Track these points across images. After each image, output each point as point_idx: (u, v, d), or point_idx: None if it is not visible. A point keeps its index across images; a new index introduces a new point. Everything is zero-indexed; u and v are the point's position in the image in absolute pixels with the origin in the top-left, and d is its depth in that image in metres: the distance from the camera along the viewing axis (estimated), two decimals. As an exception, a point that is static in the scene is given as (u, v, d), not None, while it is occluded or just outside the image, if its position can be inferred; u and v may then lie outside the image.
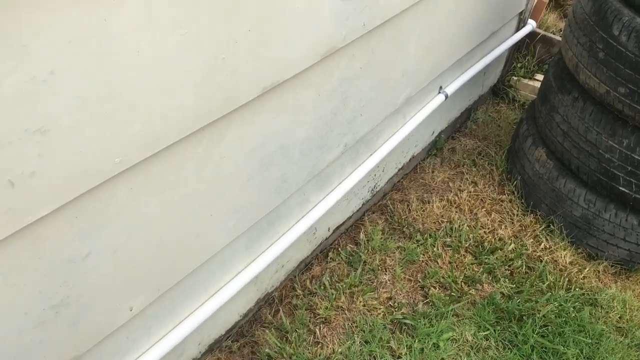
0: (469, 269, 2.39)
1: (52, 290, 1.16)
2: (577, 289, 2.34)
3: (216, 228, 1.58)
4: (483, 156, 3.00)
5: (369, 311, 2.20)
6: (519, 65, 3.56)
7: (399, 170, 2.74)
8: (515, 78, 3.51)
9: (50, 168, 0.99)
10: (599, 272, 2.44)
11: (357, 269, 2.34)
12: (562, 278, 2.37)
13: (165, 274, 1.49)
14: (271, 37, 1.35)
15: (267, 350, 2.04)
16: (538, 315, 2.20)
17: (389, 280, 2.33)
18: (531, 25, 3.29)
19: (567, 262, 2.44)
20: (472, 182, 2.83)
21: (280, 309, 2.18)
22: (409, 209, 2.65)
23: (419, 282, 2.34)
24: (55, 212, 1.06)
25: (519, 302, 2.25)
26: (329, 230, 2.39)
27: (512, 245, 2.49)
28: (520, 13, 3.13)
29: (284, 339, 2.09)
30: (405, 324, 2.17)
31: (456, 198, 2.72)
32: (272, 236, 1.91)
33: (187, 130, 1.25)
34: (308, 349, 2.05)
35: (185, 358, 1.88)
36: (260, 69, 1.37)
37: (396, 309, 2.22)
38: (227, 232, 1.64)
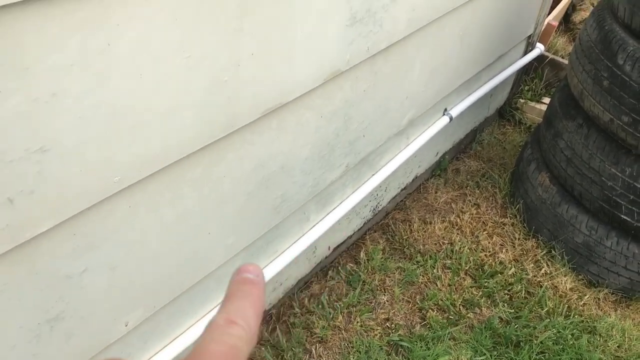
0: (468, 292, 2.38)
1: (47, 305, 1.18)
2: (576, 316, 2.33)
3: (214, 246, 1.59)
4: (487, 178, 3.00)
5: (365, 332, 2.20)
6: (526, 88, 3.56)
7: (401, 190, 2.75)
8: (522, 101, 3.51)
9: (49, 186, 1.01)
10: (599, 299, 2.43)
11: (356, 289, 2.34)
12: (562, 304, 2.36)
13: (161, 291, 1.50)
14: (274, 60, 1.37)
15: (262, 367, 2.04)
16: (535, 342, 2.18)
17: (388, 301, 2.33)
18: (539, 49, 3.30)
19: (568, 288, 2.43)
20: (474, 204, 2.82)
21: (277, 326, 2.19)
22: (411, 229, 2.65)
23: (417, 303, 2.33)
24: (53, 229, 1.07)
25: (517, 327, 2.24)
26: (329, 249, 2.39)
27: (513, 269, 2.48)
28: (529, 37, 3.14)
29: (280, 357, 2.09)
30: (401, 345, 2.16)
31: (458, 220, 2.71)
32: (271, 255, 1.92)
33: (187, 150, 1.27)
34: (303, 368, 2.06)
35: (180, 373, 1.88)
36: (262, 92, 1.39)
37: (393, 331, 2.22)
38: (225, 250, 1.65)
